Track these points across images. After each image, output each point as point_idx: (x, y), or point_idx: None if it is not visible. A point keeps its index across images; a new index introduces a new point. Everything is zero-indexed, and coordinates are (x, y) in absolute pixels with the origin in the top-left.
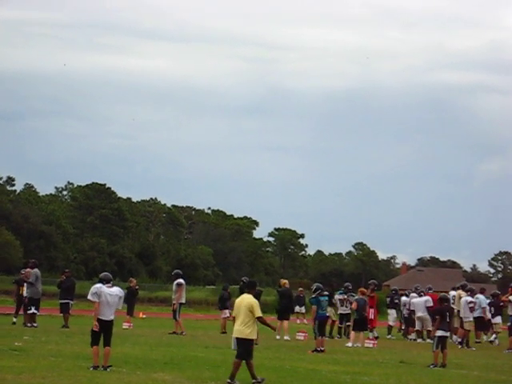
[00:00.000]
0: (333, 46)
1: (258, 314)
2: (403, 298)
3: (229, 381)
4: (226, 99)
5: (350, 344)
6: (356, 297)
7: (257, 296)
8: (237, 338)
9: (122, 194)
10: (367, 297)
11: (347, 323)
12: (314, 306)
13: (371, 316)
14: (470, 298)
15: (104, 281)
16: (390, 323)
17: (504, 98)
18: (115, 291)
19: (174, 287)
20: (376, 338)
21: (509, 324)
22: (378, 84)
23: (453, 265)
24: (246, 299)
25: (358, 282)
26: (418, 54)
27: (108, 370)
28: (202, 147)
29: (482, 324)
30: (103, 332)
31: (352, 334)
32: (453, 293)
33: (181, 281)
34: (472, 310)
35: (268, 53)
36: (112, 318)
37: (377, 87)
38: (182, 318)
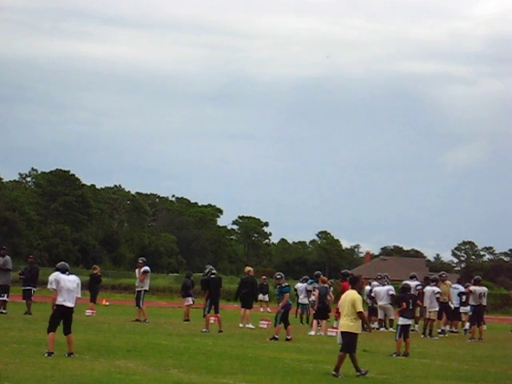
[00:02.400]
0: (297, 35)
1: (359, 309)
2: (367, 287)
3: (334, 373)
4: (191, 86)
5: (313, 332)
6: (317, 285)
7: (218, 283)
8: (341, 332)
9: (86, 180)
10: (337, 285)
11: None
12: (287, 294)
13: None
14: (436, 289)
15: (61, 270)
16: None
17: (468, 88)
18: (73, 278)
19: (138, 274)
20: None
21: (470, 314)
22: (343, 73)
23: (416, 254)
24: (350, 294)
25: (322, 271)
26: (381, 43)
27: (72, 356)
28: (166, 134)
29: (452, 313)
30: (63, 319)
31: (314, 322)
32: (414, 283)
33: (147, 268)
34: (438, 300)
35: (233, 41)
36: (72, 305)
37: (342, 76)
38: (145, 305)
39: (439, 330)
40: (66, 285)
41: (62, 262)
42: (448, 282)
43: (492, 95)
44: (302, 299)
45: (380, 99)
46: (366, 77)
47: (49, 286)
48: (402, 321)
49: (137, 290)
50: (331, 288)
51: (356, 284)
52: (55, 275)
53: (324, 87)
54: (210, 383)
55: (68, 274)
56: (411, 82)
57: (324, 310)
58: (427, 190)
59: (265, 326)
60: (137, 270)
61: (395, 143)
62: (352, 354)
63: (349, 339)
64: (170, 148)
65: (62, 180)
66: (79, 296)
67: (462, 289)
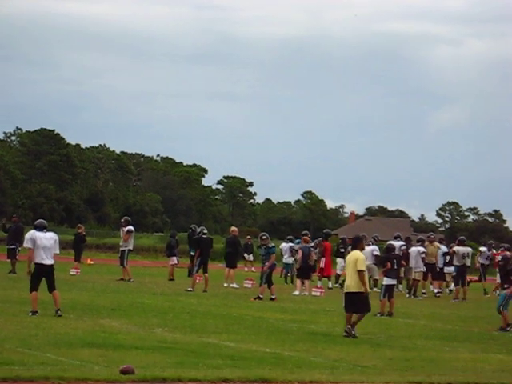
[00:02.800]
0: None
1: (360, 267)
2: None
3: (350, 331)
4: (175, 46)
5: (297, 292)
6: (300, 245)
7: (208, 244)
8: (347, 293)
9: (70, 140)
10: (320, 245)
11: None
12: (273, 255)
13: (322, 265)
14: (421, 249)
15: (38, 227)
16: (338, 272)
17: (452, 49)
18: (50, 235)
19: (122, 233)
20: (330, 288)
21: (454, 274)
22: (327, 33)
23: (401, 214)
24: (354, 255)
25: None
26: (366, 2)
27: (59, 313)
28: (151, 94)
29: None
30: (45, 277)
31: (298, 282)
32: (398, 243)
33: (131, 227)
34: (424, 260)
35: (216, 0)
36: (51, 262)
37: (326, 36)
38: (129, 264)
39: (436, 291)
40: (43, 243)
41: (40, 220)
42: (436, 243)
43: (476, 56)
44: (287, 259)
45: (364, 59)
46: (351, 36)
47: (25, 245)
48: (386, 281)
49: (121, 249)
50: (317, 249)
51: (359, 245)
52: (31, 234)
53: (308, 47)
54: (195, 342)
55: (45, 232)
56: (395, 42)
57: (307, 270)
58: (412, 150)
59: (249, 286)
60: (121, 230)
61: (380, 103)
62: (363, 315)
63: (360, 299)
64: (154, 108)
65: (47, 139)
66: (57, 252)
67: (445, 249)
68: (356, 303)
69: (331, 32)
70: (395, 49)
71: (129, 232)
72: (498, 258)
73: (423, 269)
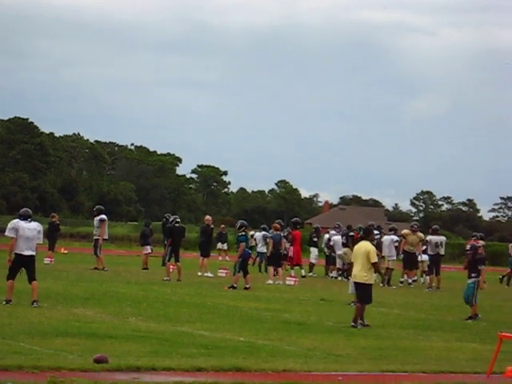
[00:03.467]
0: None
1: (373, 259)
2: (325, 236)
3: (352, 324)
4: (150, 35)
5: (270, 281)
6: (271, 233)
7: (181, 233)
8: (355, 283)
9: (44, 128)
10: (289, 234)
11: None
12: (243, 243)
13: (290, 254)
14: (394, 237)
15: (22, 216)
16: (312, 261)
17: (428, 38)
18: (33, 225)
19: (96, 223)
20: (303, 276)
21: (428, 263)
22: (303, 21)
23: (375, 203)
24: (363, 246)
25: (281, 219)
26: None
27: (35, 304)
28: (125, 83)
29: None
30: (26, 267)
31: (270, 270)
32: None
33: (104, 216)
34: (398, 249)
35: None
36: (32, 252)
37: (301, 24)
38: (103, 253)
39: (410, 281)
40: (25, 233)
41: (25, 209)
42: (419, 233)
43: (452, 46)
44: (260, 248)
45: (339, 48)
46: (326, 25)
47: (6, 233)
48: None
49: (94, 238)
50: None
51: (369, 236)
52: (14, 223)
53: (283, 35)
54: (169, 331)
55: (30, 221)
56: (370, 31)
57: (278, 258)
58: (387, 139)
59: (223, 275)
60: (94, 219)
61: (355, 92)
62: (363, 306)
63: (365, 290)
64: (129, 96)
65: (21, 128)
66: (41, 242)
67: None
68: (360, 293)
69: (306, 21)
70: (369, 38)
71: (101, 221)
72: (467, 246)
73: (395, 257)
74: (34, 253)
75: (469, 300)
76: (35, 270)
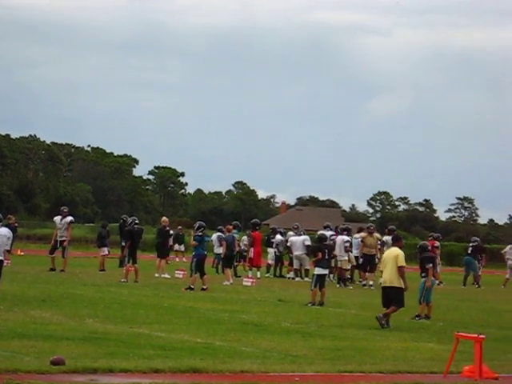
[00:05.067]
0: None
1: (400, 263)
2: (277, 237)
3: (383, 322)
4: (106, 36)
5: (227, 282)
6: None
7: (140, 234)
8: (385, 287)
9: (0, 130)
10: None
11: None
12: (194, 242)
13: (251, 255)
14: (346, 237)
15: None
16: (269, 262)
17: (383, 39)
18: (3, 231)
19: (64, 224)
20: (258, 278)
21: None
22: (260, 23)
23: (332, 204)
24: (393, 251)
25: (238, 221)
26: None
27: None
28: (81, 84)
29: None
30: None
31: (226, 271)
32: (328, 232)
33: (72, 218)
34: (346, 249)
35: None
36: (1, 258)
37: (259, 26)
38: (57, 254)
39: (371, 282)
40: None
41: None
42: (376, 234)
43: (407, 46)
44: (216, 249)
45: (297, 49)
46: (283, 26)
47: None
48: (318, 270)
49: (61, 239)
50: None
51: (398, 242)
52: None
53: (241, 37)
54: (126, 333)
55: (0, 226)
56: (328, 33)
57: (232, 259)
58: (345, 140)
59: (180, 276)
60: (57, 218)
61: (313, 94)
62: (394, 308)
63: (396, 294)
64: (85, 97)
65: None
66: (8, 249)
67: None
68: (392, 298)
69: (263, 22)
70: (327, 39)
71: (71, 222)
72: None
73: (347, 257)
74: (2, 258)
75: (419, 299)
76: (1, 276)
